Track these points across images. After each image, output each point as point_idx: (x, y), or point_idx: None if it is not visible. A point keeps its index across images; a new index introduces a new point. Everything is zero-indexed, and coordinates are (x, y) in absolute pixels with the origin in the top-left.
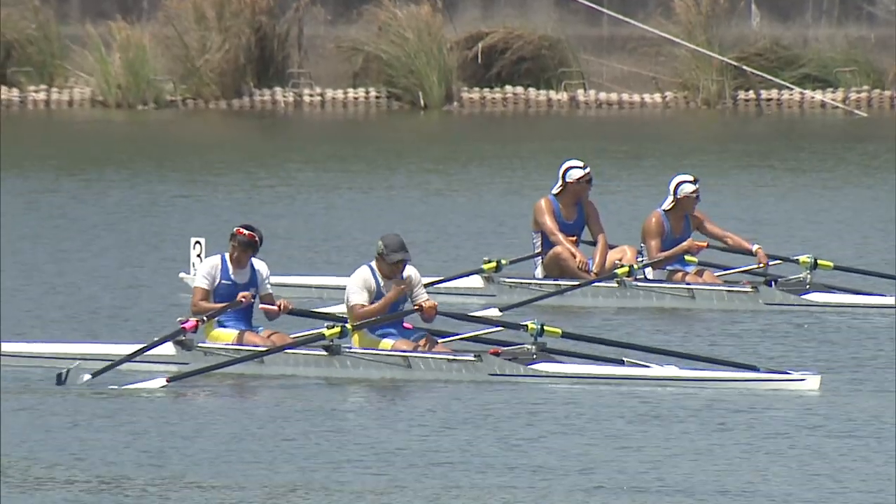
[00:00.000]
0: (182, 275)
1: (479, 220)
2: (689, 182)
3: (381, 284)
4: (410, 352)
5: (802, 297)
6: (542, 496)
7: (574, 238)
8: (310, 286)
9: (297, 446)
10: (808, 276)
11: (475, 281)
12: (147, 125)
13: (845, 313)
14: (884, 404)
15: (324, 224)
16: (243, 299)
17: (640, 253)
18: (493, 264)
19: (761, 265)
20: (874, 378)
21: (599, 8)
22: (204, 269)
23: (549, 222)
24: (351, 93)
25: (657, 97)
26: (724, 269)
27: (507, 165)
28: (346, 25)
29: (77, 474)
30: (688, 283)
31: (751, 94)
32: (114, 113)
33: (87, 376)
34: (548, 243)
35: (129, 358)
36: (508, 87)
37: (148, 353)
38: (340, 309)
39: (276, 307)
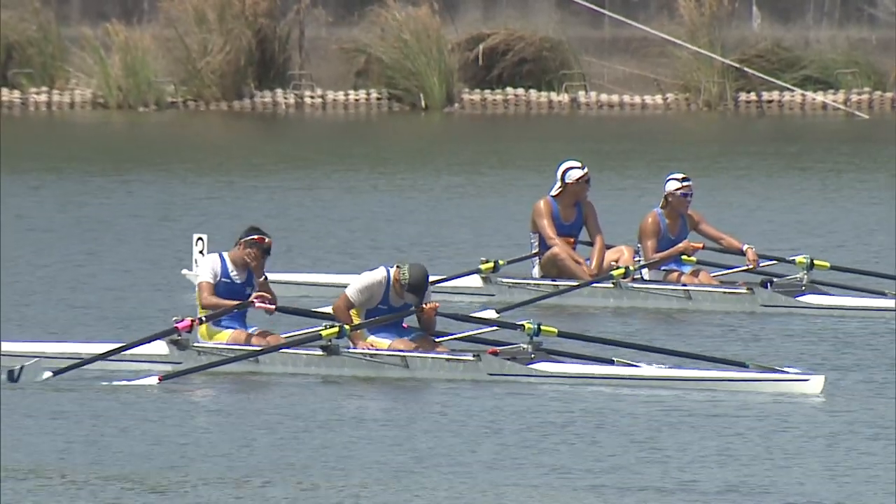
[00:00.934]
0: (184, 271)
1: (479, 220)
2: (676, 179)
3: (392, 297)
4: (409, 352)
5: (798, 298)
6: (563, 497)
7: (572, 239)
8: (308, 284)
9: (302, 445)
10: (805, 276)
11: (474, 280)
12: (148, 127)
13: (841, 316)
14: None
15: (323, 223)
16: (256, 300)
17: (637, 253)
18: (491, 265)
19: (751, 265)
20: (875, 379)
21: (601, 10)
22: (207, 266)
23: (546, 226)
24: (352, 94)
25: (658, 99)
26: (722, 270)
27: (508, 166)
28: (348, 27)
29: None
30: (684, 285)
31: (752, 95)
32: (115, 114)
33: (48, 374)
34: (545, 244)
35: (103, 357)
36: (509, 89)
37: (144, 352)
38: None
39: (272, 306)
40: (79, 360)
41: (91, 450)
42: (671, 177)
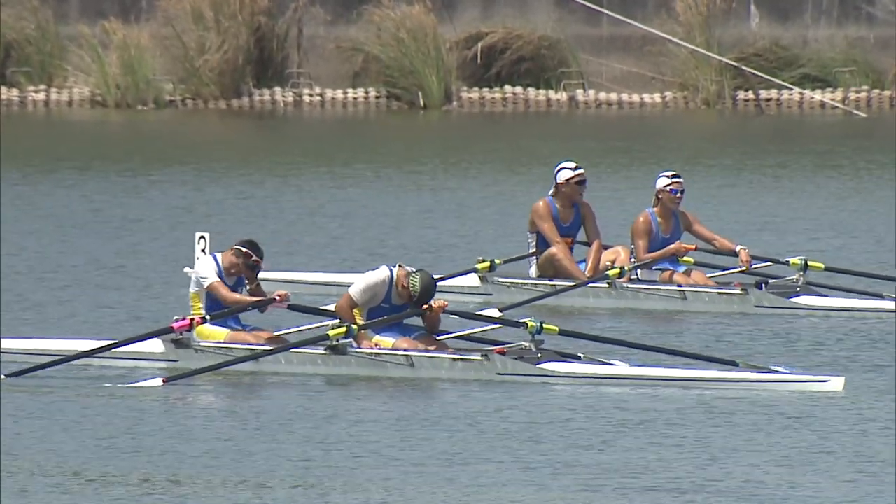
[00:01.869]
0: (187, 269)
1: (476, 219)
2: (666, 176)
3: (394, 297)
4: (418, 351)
5: (792, 299)
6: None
7: (569, 239)
8: (303, 282)
9: (315, 444)
10: (800, 277)
11: (471, 280)
12: (146, 125)
13: (835, 317)
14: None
15: (321, 222)
16: (277, 297)
17: (633, 253)
18: (487, 264)
19: (743, 267)
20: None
21: (599, 8)
22: (208, 268)
23: (548, 230)
24: (350, 93)
25: (657, 97)
26: (717, 270)
27: (506, 165)
28: (346, 25)
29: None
30: (679, 285)
31: (750, 94)
32: (113, 113)
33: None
34: (542, 243)
35: (86, 355)
36: (508, 87)
37: (141, 350)
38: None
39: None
40: (61, 357)
41: (97, 451)
42: (662, 174)
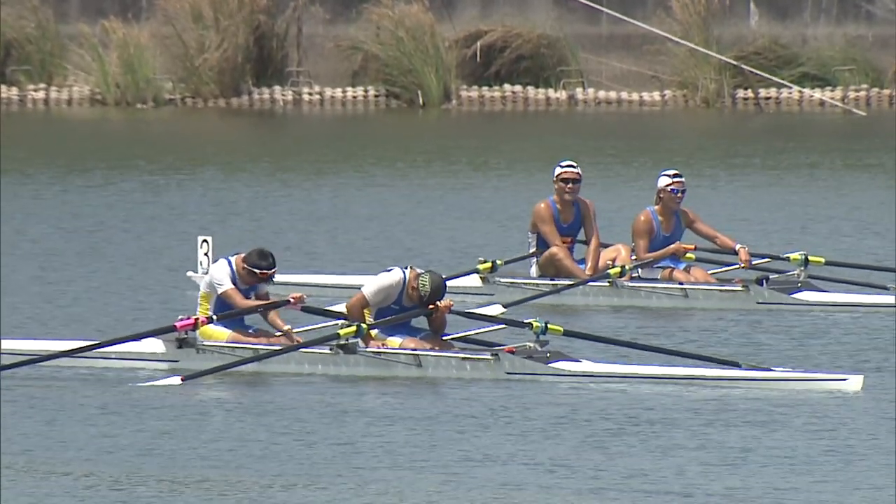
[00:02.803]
0: (190, 273)
1: (476, 219)
2: (668, 175)
3: (404, 298)
4: (429, 351)
5: (793, 295)
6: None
7: (569, 238)
8: (304, 285)
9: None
10: (801, 272)
11: (473, 280)
12: (146, 124)
13: (837, 312)
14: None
15: (319, 222)
16: (292, 299)
17: (633, 252)
18: (489, 265)
19: (743, 265)
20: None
21: (598, 7)
22: (223, 274)
23: (548, 231)
24: (350, 91)
25: (656, 96)
26: (718, 266)
27: (505, 164)
28: (345, 24)
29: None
30: (680, 283)
31: (749, 92)
32: (112, 111)
33: None
34: (543, 244)
35: (70, 353)
36: (507, 86)
37: (139, 350)
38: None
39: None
40: (35, 356)
41: (108, 448)
42: (663, 173)
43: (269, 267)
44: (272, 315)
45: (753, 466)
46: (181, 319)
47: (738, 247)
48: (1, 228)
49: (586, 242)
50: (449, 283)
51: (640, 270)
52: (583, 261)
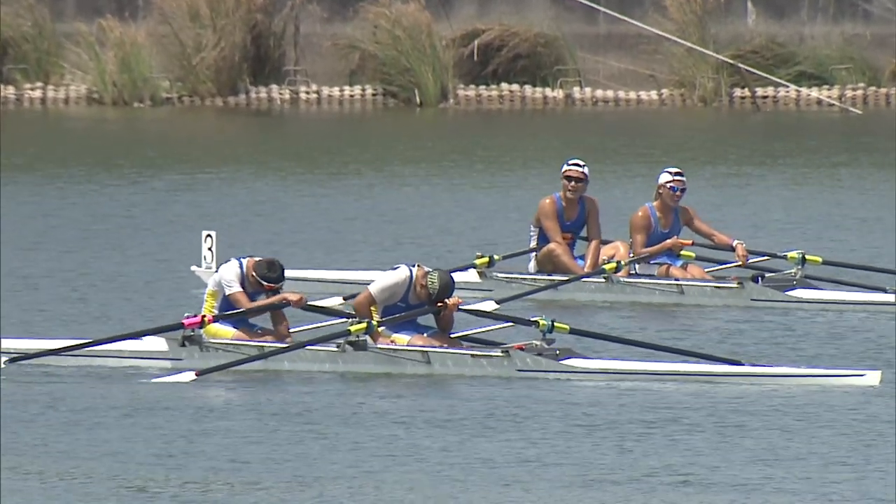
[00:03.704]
0: (193, 268)
1: (474, 216)
2: (668, 172)
3: (411, 296)
4: (438, 348)
5: (788, 293)
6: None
7: (569, 235)
8: (308, 280)
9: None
10: (798, 271)
11: (470, 276)
12: (143, 122)
13: (832, 310)
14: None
15: (317, 220)
16: (294, 300)
17: (631, 248)
18: (486, 259)
19: (740, 261)
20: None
21: (596, 6)
22: (231, 276)
23: (550, 227)
24: (347, 90)
25: (653, 95)
26: (715, 264)
27: (502, 162)
28: (342, 23)
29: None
30: (676, 279)
31: (746, 91)
32: (109, 111)
33: (3, 360)
34: (543, 239)
35: (91, 345)
36: (504, 85)
37: (143, 349)
38: (336, 301)
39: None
40: (45, 350)
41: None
42: (665, 169)
43: (275, 280)
44: (281, 328)
45: (786, 461)
46: (188, 317)
47: (735, 243)
48: (0, 228)
49: (588, 240)
50: None
51: (636, 267)
52: (582, 257)
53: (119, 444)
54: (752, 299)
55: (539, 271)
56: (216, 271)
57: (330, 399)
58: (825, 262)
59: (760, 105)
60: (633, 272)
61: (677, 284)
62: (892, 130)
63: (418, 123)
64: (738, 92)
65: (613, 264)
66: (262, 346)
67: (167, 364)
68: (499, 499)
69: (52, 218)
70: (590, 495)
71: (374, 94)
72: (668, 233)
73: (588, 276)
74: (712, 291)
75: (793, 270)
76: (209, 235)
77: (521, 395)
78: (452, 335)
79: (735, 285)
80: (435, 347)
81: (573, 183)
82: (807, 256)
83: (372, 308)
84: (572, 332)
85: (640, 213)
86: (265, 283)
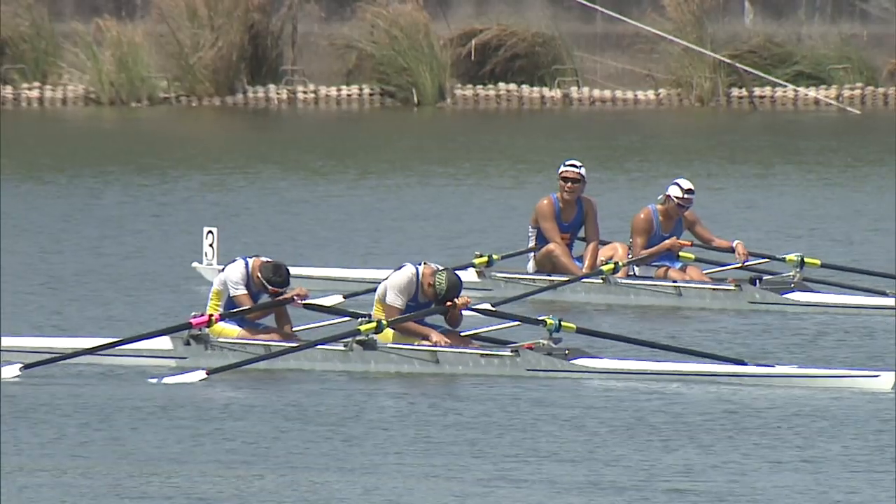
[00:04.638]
0: (195, 264)
1: (472, 216)
2: (681, 188)
3: (419, 295)
4: (448, 347)
5: (785, 295)
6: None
7: (567, 235)
8: (306, 277)
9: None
10: (796, 274)
11: (469, 275)
12: (141, 122)
13: (828, 313)
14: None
15: (315, 219)
16: (295, 296)
17: (631, 250)
18: (485, 259)
19: (740, 258)
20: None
21: (593, 5)
22: (237, 277)
23: (549, 228)
24: (344, 90)
25: (651, 94)
26: (715, 266)
27: (500, 162)
28: (340, 23)
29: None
30: (674, 281)
31: (744, 91)
32: (107, 110)
33: (18, 367)
34: (542, 239)
35: (92, 351)
36: (502, 84)
37: (148, 348)
38: (336, 299)
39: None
40: (57, 355)
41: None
42: (677, 181)
43: (280, 285)
44: (285, 328)
45: (806, 465)
46: (195, 316)
47: (735, 242)
48: (0, 227)
49: (586, 241)
50: None
51: (636, 268)
52: (581, 258)
53: (138, 443)
54: (749, 302)
55: (538, 271)
56: (221, 269)
57: (338, 399)
58: (824, 265)
59: (758, 105)
60: (632, 273)
61: (675, 286)
62: (891, 130)
63: (416, 123)
64: (735, 92)
65: (612, 265)
66: (269, 345)
67: (171, 363)
68: (509, 498)
69: (53, 218)
70: (600, 497)
71: (371, 94)
72: (669, 236)
73: (586, 276)
74: (710, 294)
75: (791, 273)
76: (210, 232)
77: (531, 396)
78: (464, 333)
79: (733, 288)
80: (444, 347)
81: (570, 184)
82: (806, 259)
83: (379, 307)
84: (579, 331)
85: (641, 216)
86: (270, 287)
